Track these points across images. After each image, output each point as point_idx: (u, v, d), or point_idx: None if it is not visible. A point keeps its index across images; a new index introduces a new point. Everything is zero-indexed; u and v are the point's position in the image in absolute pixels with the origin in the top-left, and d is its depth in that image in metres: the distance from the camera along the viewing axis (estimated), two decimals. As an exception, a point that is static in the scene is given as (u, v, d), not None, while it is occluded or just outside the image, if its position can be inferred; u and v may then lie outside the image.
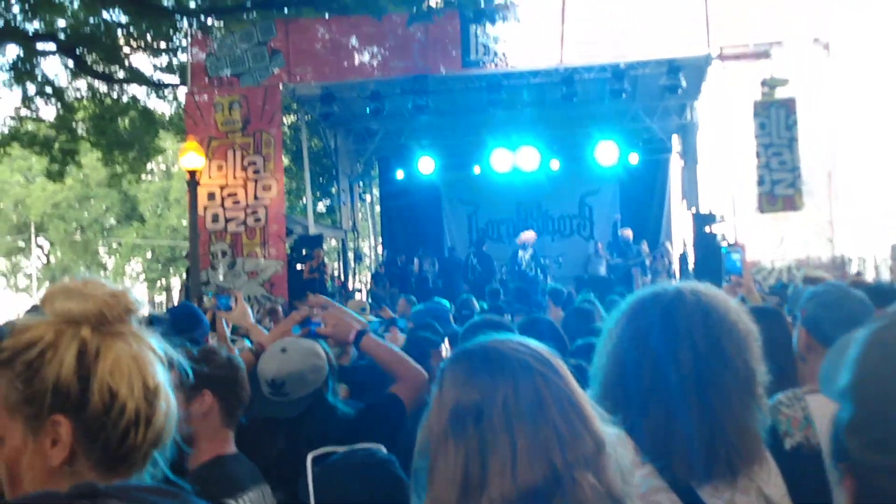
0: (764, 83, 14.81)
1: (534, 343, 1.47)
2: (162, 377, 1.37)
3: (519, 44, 15.86)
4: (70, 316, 1.32)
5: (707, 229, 15.08)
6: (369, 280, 20.50)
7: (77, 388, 1.27)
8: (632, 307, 1.87)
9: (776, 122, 14.74)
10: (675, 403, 1.74)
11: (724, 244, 14.37)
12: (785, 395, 2.62)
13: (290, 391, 3.04)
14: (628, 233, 17.74)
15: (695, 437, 1.72)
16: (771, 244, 15.59)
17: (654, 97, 17.26)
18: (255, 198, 15.60)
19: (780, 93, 14.83)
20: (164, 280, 46.30)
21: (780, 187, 14.79)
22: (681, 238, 19.03)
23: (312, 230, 17.86)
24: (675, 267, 17.76)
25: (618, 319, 1.87)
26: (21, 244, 45.69)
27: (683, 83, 15.29)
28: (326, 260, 17.19)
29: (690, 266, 16.54)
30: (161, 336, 1.43)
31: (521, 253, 17.08)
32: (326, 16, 16.40)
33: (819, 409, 2.53)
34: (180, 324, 3.90)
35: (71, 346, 1.29)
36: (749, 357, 1.78)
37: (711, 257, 13.67)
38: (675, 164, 19.93)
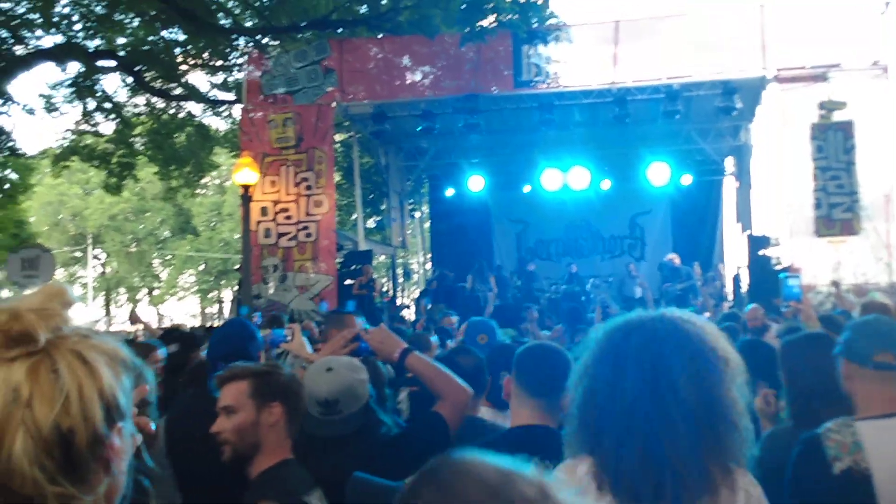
0: (821, 106, 14.57)
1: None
2: None
3: (571, 64, 15.84)
4: None
5: (762, 252, 14.85)
6: (418, 295, 20.55)
7: None
8: (599, 336, 1.86)
9: (833, 145, 14.48)
10: (621, 434, 1.72)
11: (780, 268, 14.13)
12: (834, 423, 2.61)
13: (343, 408, 3.08)
14: (674, 257, 17.50)
15: (637, 470, 1.69)
16: (827, 268, 15.29)
17: (707, 118, 17.07)
18: (307, 213, 15.75)
19: (838, 116, 14.57)
20: (216, 292, 46.91)
21: (837, 211, 14.52)
22: (734, 261, 18.78)
23: (362, 246, 17.97)
24: (729, 289, 17.51)
25: (585, 350, 1.87)
26: (78, 255, 46.68)
27: (738, 105, 15.12)
28: (375, 275, 17.26)
29: (744, 289, 16.29)
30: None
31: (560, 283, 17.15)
32: (380, 36, 16.56)
33: (869, 434, 2.51)
34: (233, 339, 3.93)
35: None
36: (711, 386, 1.74)
37: (766, 280, 13.45)
38: (729, 186, 19.68)
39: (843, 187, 14.58)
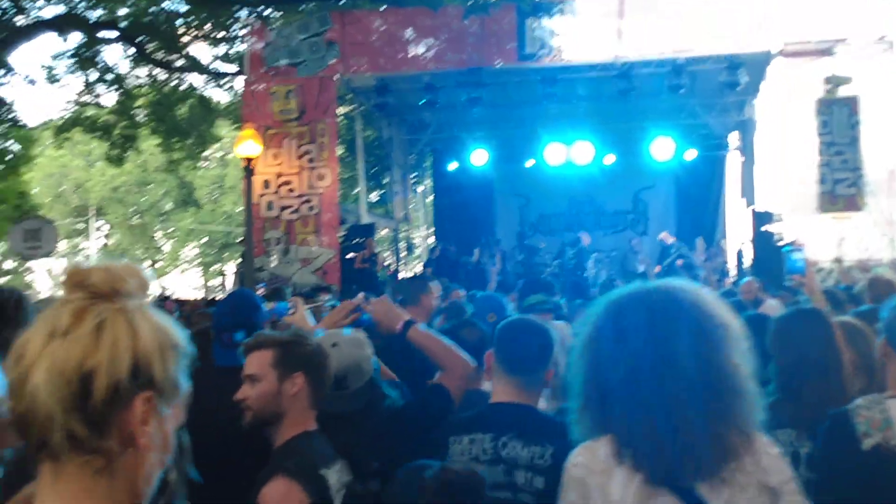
0: (827, 81, 14.49)
1: None
2: None
3: (575, 37, 15.72)
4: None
5: (765, 228, 14.84)
6: (420, 269, 20.57)
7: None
8: (595, 311, 1.86)
9: (839, 120, 14.42)
10: (630, 409, 1.72)
11: (783, 244, 14.12)
12: (865, 399, 2.62)
13: (350, 384, 3.09)
14: (665, 236, 17.49)
15: (652, 445, 1.69)
16: (830, 244, 15.27)
17: (712, 93, 16.97)
18: (310, 186, 15.73)
19: (843, 91, 14.50)
20: (218, 265, 46.98)
21: (841, 187, 14.48)
22: (737, 236, 18.76)
23: (365, 219, 17.97)
24: (732, 265, 17.51)
25: (584, 325, 1.86)
26: (81, 226, 46.71)
27: (743, 79, 15.04)
28: (378, 249, 17.27)
29: (747, 264, 16.30)
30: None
31: (568, 248, 17.11)
32: (382, 8, 16.45)
33: None
34: (240, 310, 3.95)
35: None
36: (712, 353, 1.74)
37: (770, 256, 13.44)
38: (733, 162, 19.60)
39: (848, 163, 14.54)
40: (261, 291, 10.40)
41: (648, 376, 1.73)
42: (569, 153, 17.87)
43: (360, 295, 3.65)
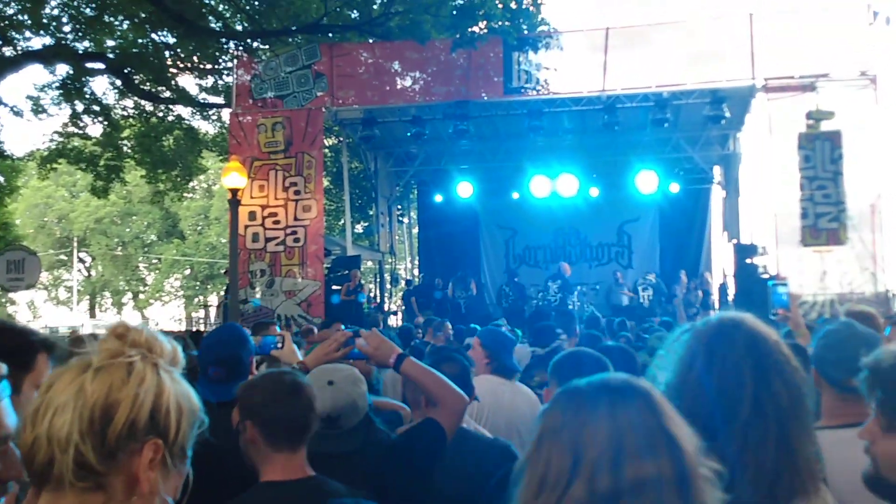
0: (809, 116, 14.65)
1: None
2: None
3: (561, 71, 15.88)
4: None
5: (749, 261, 14.90)
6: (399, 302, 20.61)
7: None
8: (691, 336, 1.85)
9: (821, 155, 14.57)
10: (724, 439, 1.72)
11: (766, 277, 14.19)
12: None
13: (343, 423, 3.02)
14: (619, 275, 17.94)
15: (766, 467, 1.71)
16: (813, 278, 15.36)
17: (696, 127, 17.16)
18: (295, 218, 15.71)
19: (826, 126, 14.65)
20: (202, 297, 46.74)
21: (823, 221, 14.60)
22: (721, 269, 18.85)
23: (350, 251, 17.94)
24: (715, 298, 17.57)
25: (687, 346, 1.85)
26: (63, 258, 46.43)
27: (727, 114, 15.21)
28: (363, 281, 17.23)
29: (731, 297, 16.36)
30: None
31: (550, 283, 17.17)
32: (371, 41, 16.56)
33: (830, 444, 2.49)
34: (226, 344, 3.89)
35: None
36: (799, 396, 1.76)
37: (754, 288, 13.49)
38: (717, 195, 19.76)
39: (830, 197, 14.66)
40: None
41: (746, 407, 1.75)
42: (554, 186, 17.95)
43: (339, 325, 3.61)
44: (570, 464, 1.34)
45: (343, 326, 7.82)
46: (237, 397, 2.78)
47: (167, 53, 18.27)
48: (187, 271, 45.88)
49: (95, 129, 20.02)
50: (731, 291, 16.62)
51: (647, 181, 17.79)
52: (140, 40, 17.83)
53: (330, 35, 16.49)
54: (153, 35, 17.64)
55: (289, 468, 2.63)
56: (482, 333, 5.20)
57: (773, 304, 5.44)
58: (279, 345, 4.36)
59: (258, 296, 15.72)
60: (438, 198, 20.16)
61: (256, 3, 17.27)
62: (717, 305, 17.14)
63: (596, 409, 1.38)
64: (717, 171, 19.65)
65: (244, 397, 2.73)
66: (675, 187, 18.63)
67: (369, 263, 23.61)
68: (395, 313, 21.58)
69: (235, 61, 17.11)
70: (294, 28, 16.28)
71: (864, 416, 2.78)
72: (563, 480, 1.34)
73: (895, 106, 15.16)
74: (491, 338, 5.06)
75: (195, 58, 18.54)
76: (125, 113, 20.33)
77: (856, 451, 2.55)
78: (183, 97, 19.21)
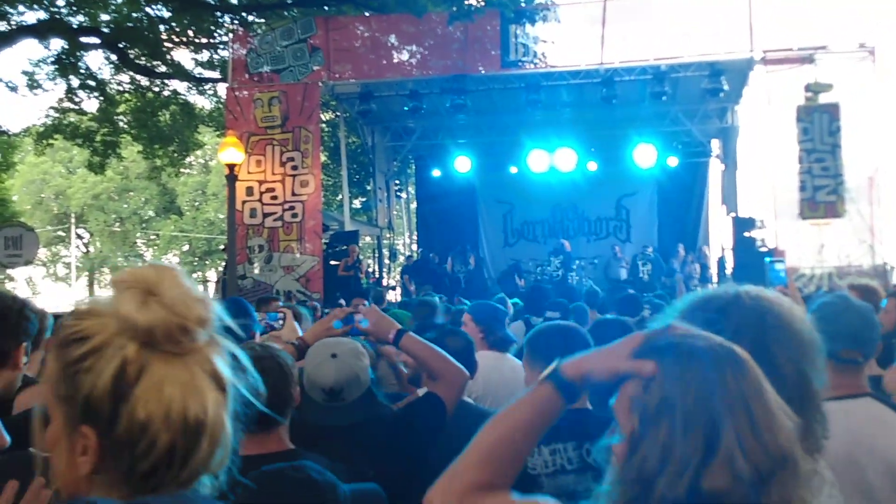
0: (808, 88, 14.61)
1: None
2: (214, 409, 1.19)
3: (559, 44, 15.84)
4: (126, 322, 1.16)
5: (746, 234, 14.92)
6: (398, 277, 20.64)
7: (109, 408, 1.14)
8: (686, 308, 1.83)
9: (819, 127, 14.54)
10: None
11: (764, 250, 14.21)
12: None
13: (346, 396, 3.03)
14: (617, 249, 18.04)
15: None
16: (811, 250, 15.38)
17: (694, 100, 17.09)
18: (293, 193, 15.69)
19: (824, 98, 14.62)
20: (200, 273, 46.76)
21: (821, 193, 14.60)
22: (719, 243, 18.86)
23: (348, 226, 17.93)
24: (713, 271, 17.59)
25: (669, 320, 1.84)
26: (61, 234, 46.38)
27: (725, 86, 15.14)
28: (361, 257, 17.24)
29: (728, 271, 16.40)
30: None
31: (552, 258, 17.19)
32: (367, 14, 16.45)
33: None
34: (233, 318, 3.90)
35: (113, 360, 1.15)
36: (804, 366, 1.74)
37: (751, 262, 13.51)
38: (715, 168, 19.72)
39: (828, 170, 14.65)
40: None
41: None
42: (552, 160, 17.90)
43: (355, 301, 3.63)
44: (702, 443, 1.23)
45: (366, 302, 7.79)
46: None
47: (162, 28, 18.14)
48: (185, 247, 45.85)
49: (91, 104, 19.95)
50: (729, 265, 16.65)
51: (645, 155, 17.73)
52: (135, 14, 17.68)
53: (326, 8, 16.41)
54: (148, 9, 17.50)
55: (265, 443, 2.60)
56: (472, 308, 5.21)
57: (772, 281, 5.44)
58: (280, 322, 4.39)
59: (257, 271, 15.72)
60: (436, 172, 20.11)
61: (251, -24, 17.16)
62: (715, 279, 17.17)
63: (723, 376, 1.31)
64: (715, 145, 19.59)
65: None
66: (673, 161, 18.58)
67: (367, 239, 23.61)
68: (393, 288, 21.60)
69: (231, 35, 17.01)
70: (290, 1, 16.18)
71: (858, 388, 2.81)
72: (695, 461, 1.22)
73: (894, 78, 15.12)
74: (482, 311, 5.07)
75: (190, 32, 18.43)
76: (121, 88, 20.24)
77: (849, 422, 2.56)
78: (179, 72, 19.12)
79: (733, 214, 16.88)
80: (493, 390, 4.46)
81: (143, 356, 1.16)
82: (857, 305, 2.96)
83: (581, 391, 1.47)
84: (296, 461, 2.31)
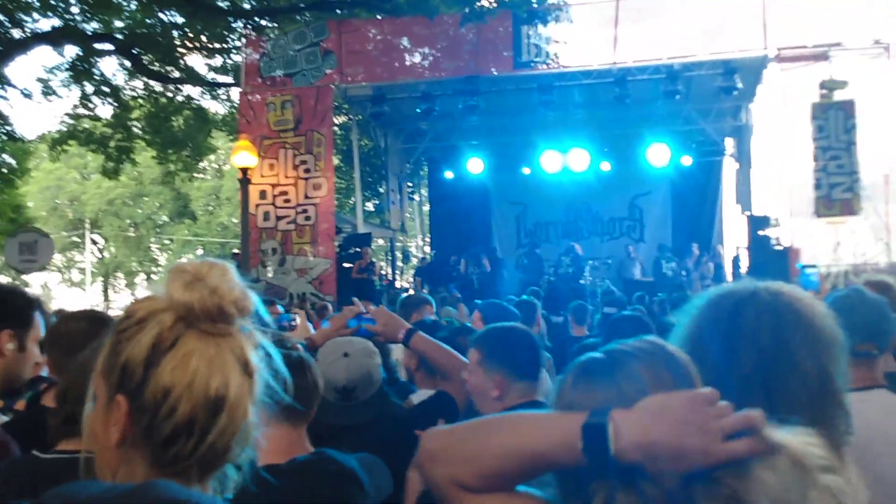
0: (822, 85, 14.54)
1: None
2: (236, 389, 1.24)
3: (571, 45, 15.81)
4: (170, 299, 1.25)
5: (761, 233, 14.85)
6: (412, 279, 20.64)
7: (140, 374, 1.21)
8: (703, 304, 1.81)
9: (834, 125, 14.46)
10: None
11: (779, 248, 14.14)
12: None
13: (359, 394, 3.04)
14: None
15: None
16: (827, 248, 15.30)
17: (708, 99, 17.02)
18: (306, 196, 15.72)
19: (839, 95, 14.54)
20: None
21: (837, 191, 14.51)
22: (734, 242, 18.78)
23: (361, 229, 17.95)
24: (728, 270, 17.51)
25: (687, 316, 1.82)
26: (76, 240, 46.64)
27: (739, 85, 15.08)
28: (374, 259, 17.25)
29: (743, 269, 16.31)
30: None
31: (563, 258, 17.16)
32: (379, 17, 16.47)
33: None
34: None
35: (152, 331, 1.23)
36: (826, 362, 1.71)
37: (768, 260, 13.45)
38: (729, 167, 19.64)
39: (844, 167, 14.57)
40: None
41: (765, 375, 1.69)
42: (565, 160, 17.87)
43: (362, 303, 3.59)
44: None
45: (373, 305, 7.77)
46: None
47: (175, 33, 18.21)
48: (199, 251, 46.02)
49: (105, 110, 20.05)
50: (744, 264, 16.56)
51: (658, 154, 17.67)
52: (148, 20, 17.78)
53: (338, 12, 16.42)
54: (161, 15, 17.58)
55: (289, 446, 2.57)
56: (483, 307, 5.20)
57: (803, 287, 5.42)
58: (294, 322, 4.40)
59: (270, 274, 15.76)
60: (449, 174, 20.10)
61: (264, -20, 17.22)
62: (730, 278, 17.08)
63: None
64: (729, 143, 19.50)
65: None
66: (687, 160, 18.50)
67: (380, 241, 23.62)
68: (406, 290, 21.62)
69: (244, 40, 17.06)
70: (302, 5, 16.22)
71: (873, 381, 2.80)
72: None
73: (910, 75, 15.03)
74: (492, 311, 5.05)
75: (203, 37, 18.50)
76: (134, 94, 20.33)
77: (864, 416, 2.54)
78: (192, 77, 19.20)
79: (748, 213, 16.79)
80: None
81: (178, 329, 1.24)
82: (871, 298, 2.94)
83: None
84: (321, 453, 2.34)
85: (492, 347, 3.07)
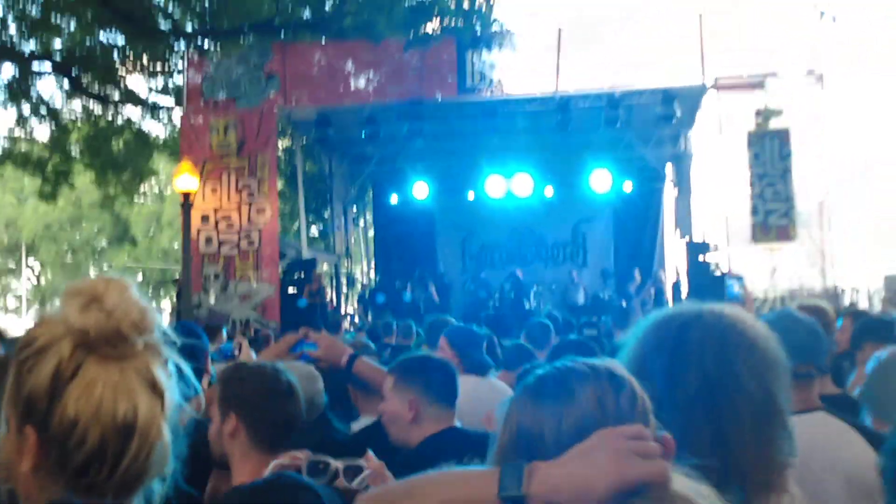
0: (758, 113, 14.91)
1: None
2: (146, 412, 1.22)
3: (515, 71, 15.96)
4: (66, 323, 1.22)
5: (701, 258, 15.09)
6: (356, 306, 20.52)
7: (45, 406, 1.18)
8: (649, 326, 1.82)
9: (770, 152, 14.82)
10: (680, 428, 1.69)
11: (718, 273, 14.39)
12: None
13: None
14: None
15: (706, 464, 1.67)
16: (763, 274, 15.61)
17: (648, 126, 17.28)
18: (249, 221, 15.57)
19: (775, 123, 14.93)
20: (155, 303, 46.03)
21: (773, 217, 14.85)
22: (674, 267, 19.04)
23: (306, 254, 17.81)
24: (669, 295, 17.74)
25: (632, 338, 1.82)
26: (12, 265, 45.49)
27: (678, 112, 15.36)
28: (323, 284, 17.12)
29: (684, 294, 16.54)
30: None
31: (505, 284, 17.28)
32: (323, 40, 16.45)
33: None
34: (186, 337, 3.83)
35: (51, 360, 1.20)
36: (769, 383, 1.73)
37: (705, 286, 13.66)
38: (669, 193, 19.95)
39: (779, 194, 14.93)
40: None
41: (710, 397, 1.69)
42: (509, 185, 17.99)
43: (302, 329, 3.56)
44: None
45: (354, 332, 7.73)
46: (220, 382, 2.68)
47: (116, 54, 17.93)
48: (139, 277, 45.19)
49: (43, 132, 19.61)
50: (685, 289, 16.80)
51: (601, 180, 17.88)
52: (88, 40, 17.49)
53: (282, 35, 16.35)
54: (101, 35, 17.31)
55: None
56: (448, 332, 5.17)
57: (727, 299, 5.51)
58: (236, 351, 4.34)
59: (212, 300, 15.53)
60: (394, 198, 20.06)
61: (207, 2, 17.04)
62: (670, 304, 17.30)
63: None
64: (669, 169, 19.81)
65: (232, 386, 2.60)
66: (628, 186, 18.74)
67: (325, 266, 23.46)
68: (351, 316, 21.46)
69: (186, 62, 16.89)
70: (246, 27, 16.11)
71: (811, 403, 2.84)
72: None
73: (842, 103, 15.48)
74: (458, 335, 5.03)
75: (145, 58, 18.24)
76: (73, 115, 19.91)
77: (806, 438, 2.57)
78: (132, 98, 18.89)
79: (687, 239, 17.06)
80: (470, 414, 4.42)
81: (78, 357, 1.20)
82: (802, 320, 3.00)
83: None
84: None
85: (405, 370, 3.08)
